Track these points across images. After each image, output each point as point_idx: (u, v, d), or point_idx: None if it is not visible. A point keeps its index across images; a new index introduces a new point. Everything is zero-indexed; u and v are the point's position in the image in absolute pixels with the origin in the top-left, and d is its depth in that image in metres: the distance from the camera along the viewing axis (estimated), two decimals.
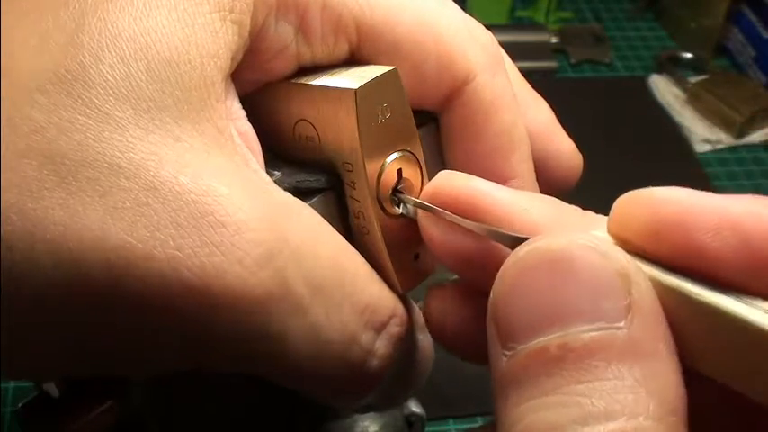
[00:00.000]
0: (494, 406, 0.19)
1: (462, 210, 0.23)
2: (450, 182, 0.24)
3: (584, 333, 0.18)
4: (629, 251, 0.19)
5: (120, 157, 0.19)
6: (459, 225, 0.23)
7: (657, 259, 0.19)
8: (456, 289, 0.25)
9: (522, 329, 0.18)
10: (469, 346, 0.24)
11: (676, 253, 0.19)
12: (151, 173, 0.19)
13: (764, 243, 0.18)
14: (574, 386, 0.17)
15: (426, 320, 0.25)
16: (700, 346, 0.18)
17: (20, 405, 0.41)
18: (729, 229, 0.18)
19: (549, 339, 0.18)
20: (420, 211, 0.24)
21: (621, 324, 0.18)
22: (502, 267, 0.20)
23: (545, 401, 0.17)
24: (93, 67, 0.20)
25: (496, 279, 0.20)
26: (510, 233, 0.21)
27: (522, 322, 0.18)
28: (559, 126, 0.30)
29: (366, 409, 0.36)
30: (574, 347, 0.17)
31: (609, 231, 0.20)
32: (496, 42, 0.27)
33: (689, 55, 0.95)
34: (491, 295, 0.20)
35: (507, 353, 0.19)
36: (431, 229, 0.24)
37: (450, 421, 0.58)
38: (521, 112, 0.27)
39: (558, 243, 0.19)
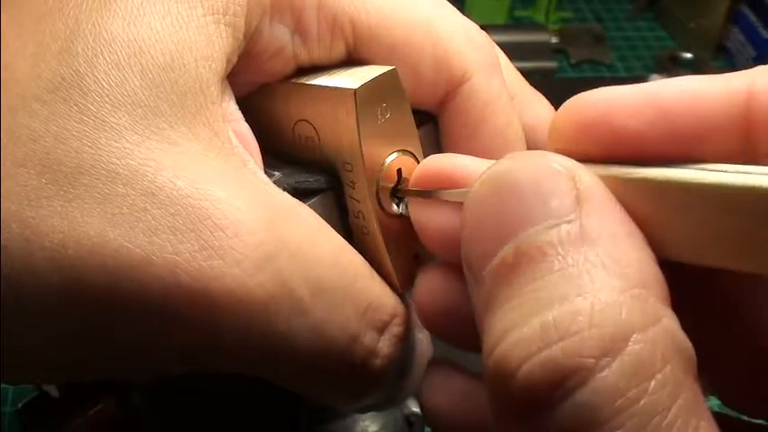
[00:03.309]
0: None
1: (448, 185, 0.23)
2: (432, 160, 0.24)
3: (533, 235, 0.18)
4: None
5: (117, 164, 0.19)
6: (447, 204, 0.23)
7: (592, 158, 0.19)
8: (445, 270, 0.24)
9: (483, 255, 0.19)
10: (458, 329, 0.24)
11: (605, 146, 0.19)
12: (148, 178, 0.20)
13: (681, 110, 0.18)
14: (530, 284, 0.17)
15: (416, 305, 0.25)
16: (660, 229, 0.18)
17: (20, 405, 0.41)
18: (648, 107, 0.19)
19: (505, 252, 0.18)
20: (411, 201, 0.24)
21: (571, 216, 0.18)
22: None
23: (506, 308, 0.17)
24: (89, 74, 0.20)
25: (461, 223, 0.20)
26: None
27: (483, 248, 0.19)
28: None
29: (366, 409, 0.36)
30: (526, 250, 0.18)
31: (547, 147, 0.21)
32: (492, 44, 0.27)
33: (689, 55, 0.95)
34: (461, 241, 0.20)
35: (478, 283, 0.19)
36: (421, 214, 0.23)
37: None
38: (516, 113, 0.27)
39: (499, 167, 0.19)
